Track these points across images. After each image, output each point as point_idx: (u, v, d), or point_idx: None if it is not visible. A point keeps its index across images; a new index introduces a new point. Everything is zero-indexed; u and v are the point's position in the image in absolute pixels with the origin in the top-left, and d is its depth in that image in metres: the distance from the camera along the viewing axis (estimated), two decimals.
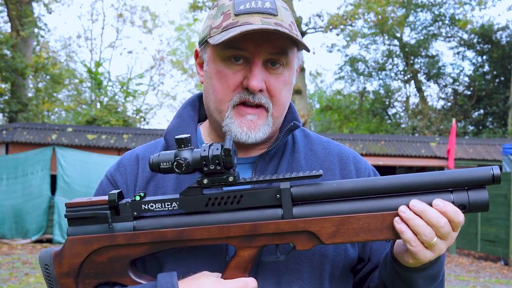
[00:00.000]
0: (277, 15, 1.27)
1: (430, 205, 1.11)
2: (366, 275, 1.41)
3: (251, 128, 1.29)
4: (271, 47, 1.26)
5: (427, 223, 1.09)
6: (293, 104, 1.44)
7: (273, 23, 1.24)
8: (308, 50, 1.30)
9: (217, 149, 1.13)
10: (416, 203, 1.10)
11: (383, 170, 16.44)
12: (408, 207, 1.11)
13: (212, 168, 1.13)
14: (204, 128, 1.46)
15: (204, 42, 1.33)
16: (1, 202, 12.77)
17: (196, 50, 1.40)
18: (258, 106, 1.29)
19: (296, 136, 1.43)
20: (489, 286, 9.09)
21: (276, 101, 1.30)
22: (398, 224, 1.11)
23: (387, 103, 28.78)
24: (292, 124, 1.36)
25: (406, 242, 1.11)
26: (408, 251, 1.13)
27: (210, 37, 1.28)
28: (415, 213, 1.10)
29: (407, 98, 29.06)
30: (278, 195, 1.15)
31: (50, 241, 12.89)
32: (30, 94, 21.57)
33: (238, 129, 1.29)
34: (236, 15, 1.26)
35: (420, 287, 1.23)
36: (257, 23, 1.23)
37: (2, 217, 12.75)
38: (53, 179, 13.13)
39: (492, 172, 1.09)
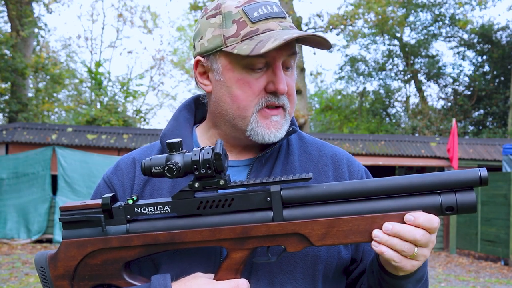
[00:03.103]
0: (286, 17, 1.32)
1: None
2: (358, 275, 1.42)
3: (278, 128, 1.33)
4: (287, 49, 1.30)
5: (403, 241, 1.11)
6: None
7: (288, 26, 1.30)
8: (329, 48, 1.34)
9: (208, 153, 1.14)
10: (388, 226, 1.12)
11: (383, 170, 16.44)
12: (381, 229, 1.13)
13: (203, 172, 1.15)
14: (199, 131, 1.47)
15: (215, 52, 1.31)
16: (2, 202, 12.79)
17: (197, 60, 1.37)
18: (278, 107, 1.33)
19: (291, 139, 1.45)
20: (489, 286, 9.10)
21: (291, 100, 1.35)
22: (376, 247, 1.13)
23: (387, 103, 28.79)
24: (291, 128, 1.39)
25: (390, 260, 1.13)
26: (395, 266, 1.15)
27: (227, 46, 1.28)
28: (389, 235, 1.12)
29: (407, 98, 29.07)
30: (268, 198, 1.17)
31: (50, 241, 12.90)
32: (30, 94, 21.58)
33: (266, 131, 1.32)
34: (253, 22, 1.27)
35: None
36: (276, 28, 1.27)
37: (3, 217, 12.77)
38: (54, 179, 13.15)
39: (479, 174, 1.10)
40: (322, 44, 1.31)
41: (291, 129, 1.38)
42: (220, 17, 1.31)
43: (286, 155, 1.41)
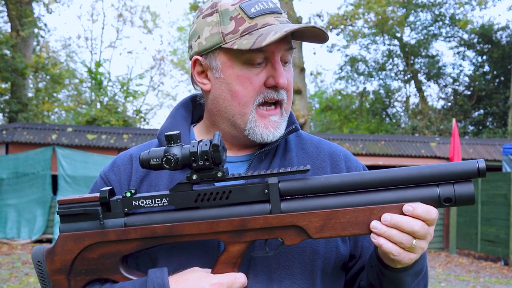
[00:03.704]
0: (282, 13, 1.33)
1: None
2: (357, 272, 1.42)
3: (276, 127, 1.34)
4: (285, 44, 1.31)
5: (402, 232, 1.11)
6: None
7: (285, 21, 1.31)
8: (325, 41, 1.35)
9: (206, 145, 1.14)
10: (386, 217, 1.12)
11: None
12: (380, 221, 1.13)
13: (201, 163, 1.14)
14: (197, 130, 1.47)
15: (214, 49, 1.32)
16: (2, 202, 12.79)
17: (195, 59, 1.37)
18: (276, 104, 1.34)
19: (288, 136, 1.45)
20: (489, 286, 9.09)
21: (289, 95, 1.36)
22: (375, 239, 1.13)
23: (387, 103, 28.78)
24: (293, 127, 1.39)
25: (388, 253, 1.13)
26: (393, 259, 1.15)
27: (226, 43, 1.28)
28: (387, 226, 1.11)
29: (407, 98, 29.06)
30: (266, 190, 1.16)
31: (50, 241, 12.90)
32: (30, 94, 21.59)
33: (264, 131, 1.32)
34: (251, 18, 1.28)
35: (407, 284, 1.25)
36: (274, 22, 1.28)
37: (3, 217, 12.77)
38: (54, 179, 13.15)
39: (477, 165, 1.10)
40: (319, 37, 1.31)
41: (293, 127, 1.39)
42: (217, 15, 1.31)
43: (284, 152, 1.41)
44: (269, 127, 1.32)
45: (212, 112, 1.38)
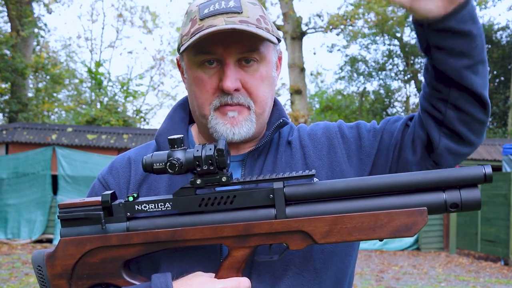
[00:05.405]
0: (241, 12, 1.26)
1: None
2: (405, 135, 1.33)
3: (234, 124, 1.29)
4: (240, 46, 1.26)
5: None
6: (278, 101, 1.44)
7: (237, 21, 1.23)
8: (274, 43, 1.29)
9: (210, 149, 1.13)
10: None
11: None
12: None
13: (205, 168, 1.13)
14: (195, 130, 1.46)
15: (180, 51, 1.34)
16: (2, 202, 12.79)
17: (177, 59, 1.42)
18: (238, 104, 1.30)
19: (283, 131, 1.43)
20: (489, 286, 9.08)
21: (255, 98, 1.30)
22: None
23: (387, 103, 28.81)
24: (281, 121, 1.36)
25: None
26: None
27: (182, 45, 1.29)
28: None
29: (407, 98, 29.09)
30: (271, 195, 1.15)
31: (50, 241, 12.90)
32: (30, 94, 21.57)
33: (222, 128, 1.29)
34: (201, 19, 1.26)
35: (476, 37, 1.17)
36: (220, 24, 1.22)
37: (3, 217, 12.77)
38: (54, 179, 13.15)
39: (484, 171, 1.10)
40: (256, 37, 1.25)
41: (281, 121, 1.36)
42: (185, 16, 1.33)
43: (276, 148, 1.39)
44: (227, 124, 1.29)
45: (191, 111, 1.40)
